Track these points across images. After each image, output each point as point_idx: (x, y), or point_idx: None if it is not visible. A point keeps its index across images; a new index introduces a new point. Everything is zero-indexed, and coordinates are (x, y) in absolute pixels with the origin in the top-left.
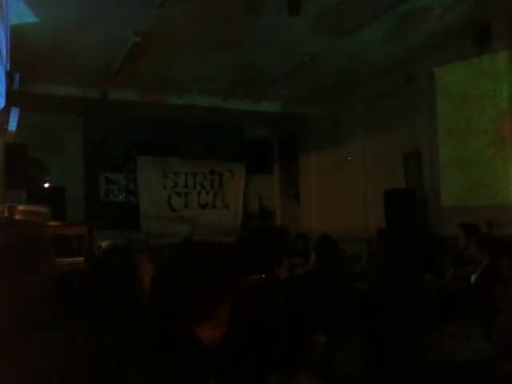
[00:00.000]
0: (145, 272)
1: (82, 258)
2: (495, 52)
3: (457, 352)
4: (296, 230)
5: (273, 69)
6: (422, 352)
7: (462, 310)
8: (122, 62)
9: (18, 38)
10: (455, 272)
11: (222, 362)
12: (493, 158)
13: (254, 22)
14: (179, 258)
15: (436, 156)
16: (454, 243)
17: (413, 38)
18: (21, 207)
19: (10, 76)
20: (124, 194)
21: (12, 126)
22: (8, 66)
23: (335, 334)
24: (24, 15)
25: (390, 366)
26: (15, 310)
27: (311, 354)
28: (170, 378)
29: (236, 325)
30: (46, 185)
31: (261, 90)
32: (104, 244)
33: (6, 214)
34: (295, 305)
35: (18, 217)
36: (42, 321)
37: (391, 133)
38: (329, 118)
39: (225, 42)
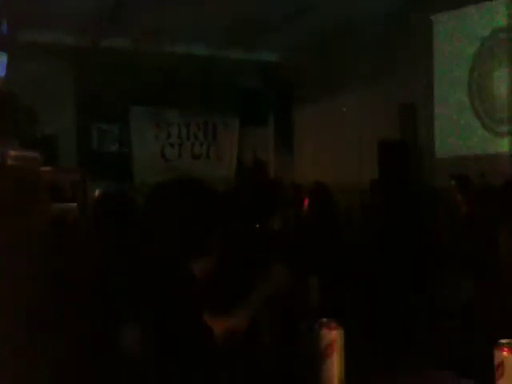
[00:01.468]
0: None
1: (75, 205)
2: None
3: (449, 300)
4: (290, 182)
5: (269, 18)
6: (415, 301)
7: (455, 260)
8: (114, 8)
9: None
10: (448, 222)
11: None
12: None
13: None
14: (171, 195)
15: (432, 107)
16: (447, 195)
17: None
18: (13, 153)
19: None
20: (117, 145)
21: (0, 71)
22: None
23: (329, 280)
24: None
25: (384, 316)
26: (13, 250)
27: (305, 298)
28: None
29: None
30: (37, 133)
31: (257, 40)
32: (96, 193)
33: None
34: (289, 253)
35: (10, 162)
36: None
37: (388, 84)
38: (324, 69)
39: None
